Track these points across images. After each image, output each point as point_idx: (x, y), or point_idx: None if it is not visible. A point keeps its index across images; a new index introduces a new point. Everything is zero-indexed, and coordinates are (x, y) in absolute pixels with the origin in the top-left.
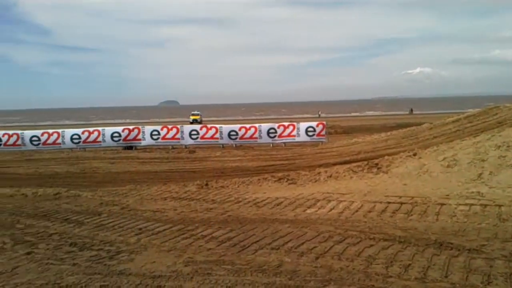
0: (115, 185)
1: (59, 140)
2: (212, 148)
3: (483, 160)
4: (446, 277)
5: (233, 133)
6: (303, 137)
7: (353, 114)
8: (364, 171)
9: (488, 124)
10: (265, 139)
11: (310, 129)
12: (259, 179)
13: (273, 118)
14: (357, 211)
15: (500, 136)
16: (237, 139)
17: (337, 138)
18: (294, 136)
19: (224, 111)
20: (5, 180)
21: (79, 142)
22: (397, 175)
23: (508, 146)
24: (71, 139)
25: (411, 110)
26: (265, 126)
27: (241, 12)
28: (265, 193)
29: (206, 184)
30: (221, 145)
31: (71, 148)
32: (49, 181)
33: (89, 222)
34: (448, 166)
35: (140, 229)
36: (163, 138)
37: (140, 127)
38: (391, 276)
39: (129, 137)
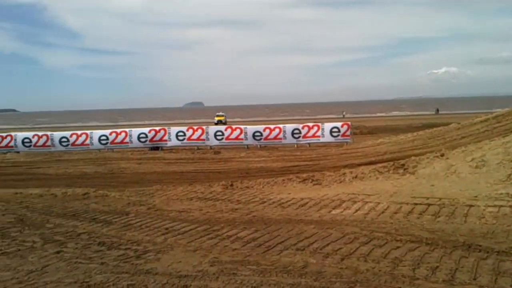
0: (142, 185)
1: (88, 141)
2: (236, 148)
3: None
4: (474, 279)
5: (257, 134)
6: (327, 138)
7: (378, 114)
8: (390, 172)
9: None
10: (290, 139)
11: (335, 129)
12: (283, 180)
13: (297, 119)
14: (383, 212)
15: None
16: (262, 140)
17: (362, 138)
18: (318, 136)
19: (249, 112)
20: (35, 180)
21: (107, 143)
22: (424, 176)
23: None
24: (99, 140)
25: (437, 110)
26: (289, 127)
27: (266, 12)
28: (290, 193)
29: (231, 185)
30: (245, 146)
31: (99, 149)
32: (78, 181)
33: (116, 221)
34: (476, 167)
35: (166, 229)
36: (189, 139)
37: (166, 128)
38: (418, 278)
39: (155, 138)
